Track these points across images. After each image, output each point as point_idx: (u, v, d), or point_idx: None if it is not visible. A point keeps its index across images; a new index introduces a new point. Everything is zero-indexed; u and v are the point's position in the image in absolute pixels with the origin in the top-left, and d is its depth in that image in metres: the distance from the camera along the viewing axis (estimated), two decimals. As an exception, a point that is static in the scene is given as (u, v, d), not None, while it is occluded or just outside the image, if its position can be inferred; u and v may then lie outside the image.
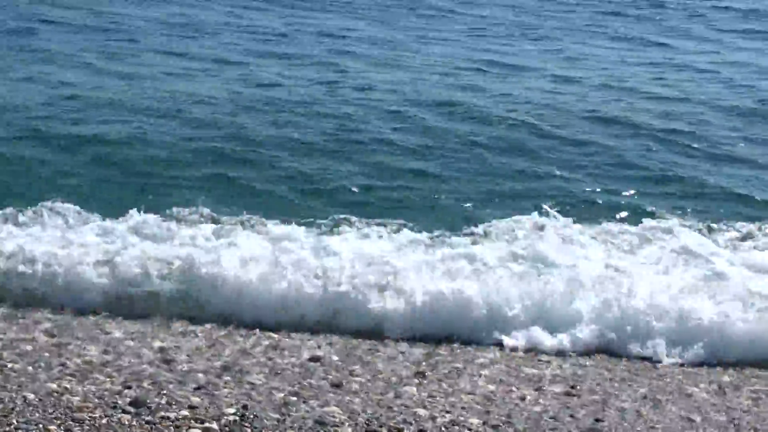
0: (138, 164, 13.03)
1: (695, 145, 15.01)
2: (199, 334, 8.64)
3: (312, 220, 11.25)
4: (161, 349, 8.20)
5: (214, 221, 10.94)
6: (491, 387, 8.01)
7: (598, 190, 13.07)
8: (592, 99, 17.37)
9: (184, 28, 21.61)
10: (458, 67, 19.29)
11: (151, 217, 10.67)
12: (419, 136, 14.73)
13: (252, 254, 9.77)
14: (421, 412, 7.28)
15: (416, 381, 7.97)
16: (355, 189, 12.63)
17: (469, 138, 14.71)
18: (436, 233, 11.02)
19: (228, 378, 7.66)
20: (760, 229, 11.76)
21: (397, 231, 11.07)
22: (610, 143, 14.90)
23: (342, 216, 11.41)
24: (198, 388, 7.35)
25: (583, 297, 9.36)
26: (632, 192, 13.05)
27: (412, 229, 11.09)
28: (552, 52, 21.34)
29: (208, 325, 8.82)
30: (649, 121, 16.01)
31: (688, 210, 12.29)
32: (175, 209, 11.07)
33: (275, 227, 10.88)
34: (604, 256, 10.58)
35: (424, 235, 10.95)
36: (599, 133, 15.34)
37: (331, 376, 7.91)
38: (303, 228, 10.87)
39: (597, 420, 7.50)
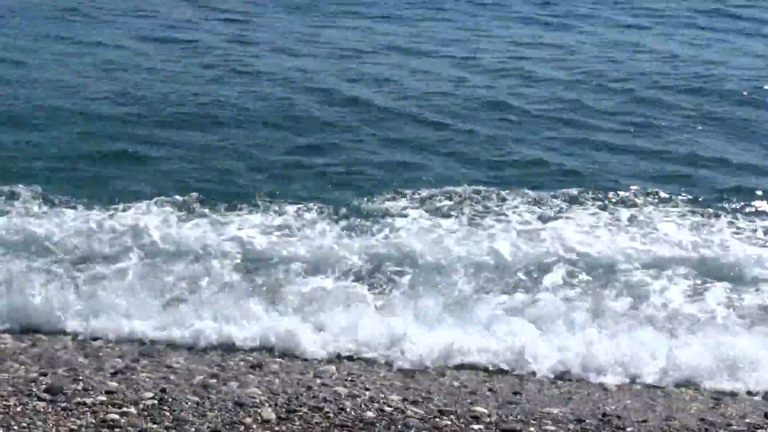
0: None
1: (571, 129, 14.78)
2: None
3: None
4: (76, 335, 8.06)
5: (76, 215, 10.55)
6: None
7: (475, 178, 12.54)
8: (482, 83, 17.22)
9: (73, 13, 20.96)
10: (359, 50, 19.16)
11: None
12: (301, 123, 14.28)
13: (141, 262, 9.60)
14: (341, 390, 7.28)
15: (336, 360, 7.99)
16: (239, 174, 12.30)
17: (348, 126, 14.32)
18: (308, 221, 10.87)
19: (146, 362, 7.56)
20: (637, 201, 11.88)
21: (267, 211, 10.98)
22: (486, 128, 14.43)
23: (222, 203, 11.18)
24: (115, 374, 7.24)
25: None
26: (504, 176, 12.67)
27: (279, 213, 10.97)
28: (455, 32, 21.28)
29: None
30: (532, 105, 15.85)
31: (560, 195, 11.97)
32: (44, 207, 10.71)
33: (160, 215, 10.68)
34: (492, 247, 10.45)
35: (291, 223, 10.79)
36: (478, 118, 15.00)
37: (250, 358, 7.87)
38: (205, 221, 10.66)
39: (515, 393, 7.61)
